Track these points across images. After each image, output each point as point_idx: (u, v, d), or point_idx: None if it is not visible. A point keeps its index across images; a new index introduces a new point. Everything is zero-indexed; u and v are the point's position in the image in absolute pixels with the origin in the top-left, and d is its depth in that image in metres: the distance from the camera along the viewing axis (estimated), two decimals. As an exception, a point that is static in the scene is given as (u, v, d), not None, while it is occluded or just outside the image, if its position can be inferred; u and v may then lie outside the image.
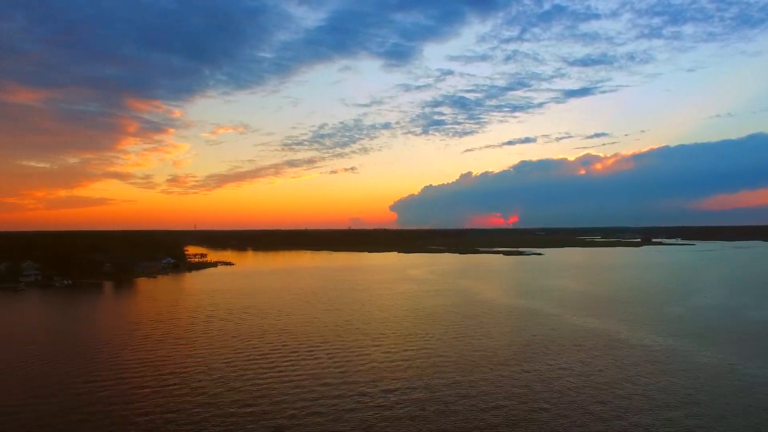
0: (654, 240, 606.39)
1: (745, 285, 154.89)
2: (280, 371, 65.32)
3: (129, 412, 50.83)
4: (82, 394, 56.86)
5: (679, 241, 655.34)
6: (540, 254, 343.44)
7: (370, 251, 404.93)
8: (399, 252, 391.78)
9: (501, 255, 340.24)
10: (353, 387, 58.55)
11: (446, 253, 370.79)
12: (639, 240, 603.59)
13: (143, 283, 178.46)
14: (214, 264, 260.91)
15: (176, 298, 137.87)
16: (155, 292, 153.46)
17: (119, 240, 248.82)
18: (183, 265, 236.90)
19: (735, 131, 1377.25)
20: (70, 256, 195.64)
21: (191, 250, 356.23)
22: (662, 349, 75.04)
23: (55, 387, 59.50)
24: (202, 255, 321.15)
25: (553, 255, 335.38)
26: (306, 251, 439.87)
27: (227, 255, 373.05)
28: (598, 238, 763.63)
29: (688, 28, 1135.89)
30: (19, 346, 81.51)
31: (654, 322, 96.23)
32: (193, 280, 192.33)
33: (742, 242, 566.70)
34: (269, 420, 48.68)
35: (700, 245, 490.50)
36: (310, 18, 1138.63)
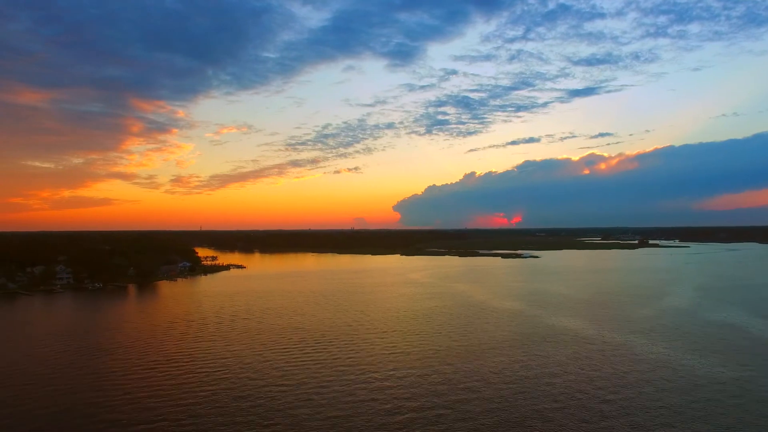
0: (651, 242, 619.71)
1: (712, 288, 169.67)
2: (302, 360, 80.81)
3: (188, 394, 66.44)
4: (146, 378, 72.46)
5: (676, 243, 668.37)
6: (537, 257, 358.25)
7: (373, 254, 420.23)
8: (401, 255, 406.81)
9: (499, 258, 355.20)
10: (362, 371, 73.95)
11: (446, 256, 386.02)
12: (636, 242, 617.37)
13: (164, 286, 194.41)
14: (227, 267, 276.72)
15: (199, 300, 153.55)
16: (178, 295, 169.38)
17: (141, 245, 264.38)
18: (198, 269, 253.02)
19: (741, 131, 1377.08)
20: (98, 261, 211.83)
21: (200, 252, 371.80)
22: (616, 344, 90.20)
23: (120, 374, 75.19)
24: (213, 258, 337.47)
25: (549, 258, 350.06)
26: (311, 253, 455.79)
27: (235, 257, 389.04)
28: (597, 240, 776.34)
29: (693, 27, 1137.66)
30: (81, 341, 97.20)
31: (618, 321, 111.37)
32: (209, 283, 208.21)
33: (736, 244, 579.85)
34: (298, 393, 64.13)
35: (695, 247, 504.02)
36: (315, 18, 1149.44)
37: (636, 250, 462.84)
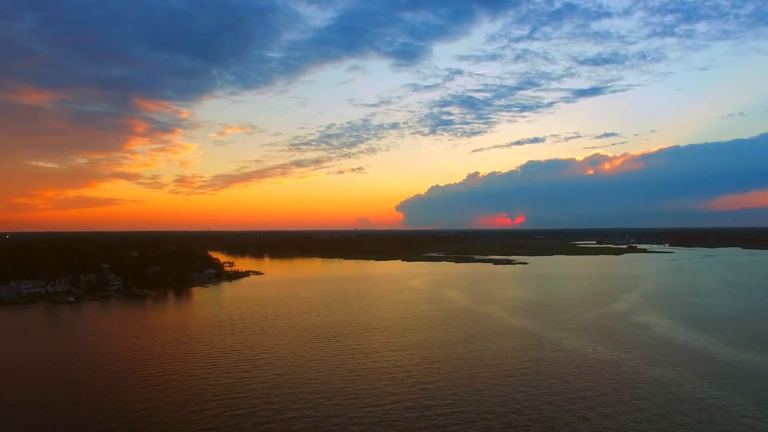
0: (640, 247, 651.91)
1: (656, 294, 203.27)
2: (324, 350, 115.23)
3: (255, 369, 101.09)
4: (223, 363, 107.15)
5: (666, 247, 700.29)
6: (525, 263, 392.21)
7: (376, 259, 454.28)
8: (402, 260, 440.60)
9: (491, 264, 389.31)
10: (368, 355, 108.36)
11: (444, 262, 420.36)
12: (625, 247, 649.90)
13: (198, 292, 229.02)
14: (246, 274, 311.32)
15: (233, 305, 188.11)
16: (214, 300, 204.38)
17: (172, 254, 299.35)
18: (223, 275, 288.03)
19: (747, 130, 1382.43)
20: (138, 269, 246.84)
21: (212, 255, 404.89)
22: (550, 339, 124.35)
23: (210, 354, 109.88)
24: (231, 264, 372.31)
25: (535, 265, 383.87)
26: (318, 258, 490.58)
27: (248, 262, 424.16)
28: (592, 243, 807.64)
29: (701, 26, 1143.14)
30: (174, 334, 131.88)
31: (561, 322, 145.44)
32: (235, 288, 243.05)
33: (720, 249, 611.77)
34: (324, 367, 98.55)
35: (678, 253, 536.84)
36: (319, 17, 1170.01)
37: (621, 255, 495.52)
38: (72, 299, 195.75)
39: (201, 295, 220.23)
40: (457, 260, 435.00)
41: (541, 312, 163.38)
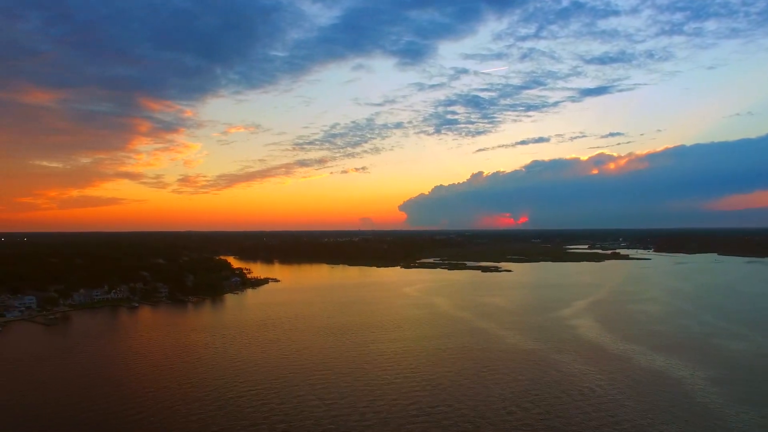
0: (623, 253, 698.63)
1: (602, 301, 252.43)
2: (341, 342, 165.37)
3: (299, 355, 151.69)
4: (275, 347, 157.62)
5: (651, 252, 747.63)
6: (510, 271, 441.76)
7: (378, 266, 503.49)
8: (401, 267, 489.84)
9: (479, 272, 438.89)
10: (373, 345, 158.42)
11: (438, 269, 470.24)
12: (609, 253, 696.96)
13: (230, 299, 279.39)
14: (266, 281, 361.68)
15: (263, 309, 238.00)
16: (247, 305, 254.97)
17: (207, 265, 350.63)
18: (247, 283, 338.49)
19: (755, 130, 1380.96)
20: (177, 277, 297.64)
21: (224, 259, 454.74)
22: (498, 336, 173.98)
23: (272, 345, 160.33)
24: (249, 271, 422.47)
25: (519, 272, 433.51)
26: (325, 264, 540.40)
27: (261, 268, 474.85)
28: (583, 248, 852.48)
29: (710, 24, 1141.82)
30: (240, 334, 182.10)
31: (515, 324, 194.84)
32: (260, 295, 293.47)
33: (697, 256, 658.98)
34: (339, 352, 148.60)
35: (655, 259, 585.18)
36: (325, 16, 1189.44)
37: (602, 262, 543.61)
38: (135, 305, 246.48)
39: (234, 300, 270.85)
40: (451, 267, 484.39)
41: (502, 316, 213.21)
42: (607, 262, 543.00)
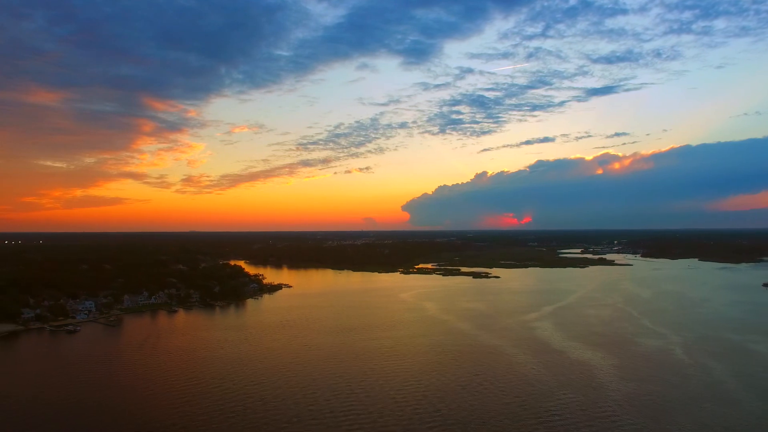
0: (608, 258, 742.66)
1: (566, 306, 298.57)
2: (351, 338, 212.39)
3: (321, 349, 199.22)
4: (295, 342, 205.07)
5: (638, 258, 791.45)
6: (498, 277, 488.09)
7: (380, 271, 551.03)
8: (401, 273, 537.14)
9: (470, 278, 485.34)
10: (375, 341, 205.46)
11: (433, 275, 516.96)
12: (596, 258, 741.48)
13: (251, 304, 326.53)
14: (279, 286, 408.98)
15: (282, 312, 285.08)
16: (268, 309, 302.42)
17: (227, 272, 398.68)
18: (263, 288, 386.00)
19: (761, 130, 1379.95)
20: (202, 284, 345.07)
21: (233, 263, 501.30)
22: (471, 335, 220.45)
23: (306, 343, 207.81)
24: (262, 276, 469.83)
25: (506, 279, 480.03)
26: (330, 269, 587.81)
27: (272, 273, 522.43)
28: (576, 252, 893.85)
29: (719, 23, 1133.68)
30: (275, 334, 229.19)
31: (487, 326, 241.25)
32: (276, 299, 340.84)
33: (677, 261, 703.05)
34: (348, 344, 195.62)
35: (637, 265, 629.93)
36: (330, 15, 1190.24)
37: (585, 268, 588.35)
38: (175, 309, 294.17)
39: (255, 305, 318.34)
40: (445, 273, 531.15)
41: (479, 319, 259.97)
42: (591, 268, 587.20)
